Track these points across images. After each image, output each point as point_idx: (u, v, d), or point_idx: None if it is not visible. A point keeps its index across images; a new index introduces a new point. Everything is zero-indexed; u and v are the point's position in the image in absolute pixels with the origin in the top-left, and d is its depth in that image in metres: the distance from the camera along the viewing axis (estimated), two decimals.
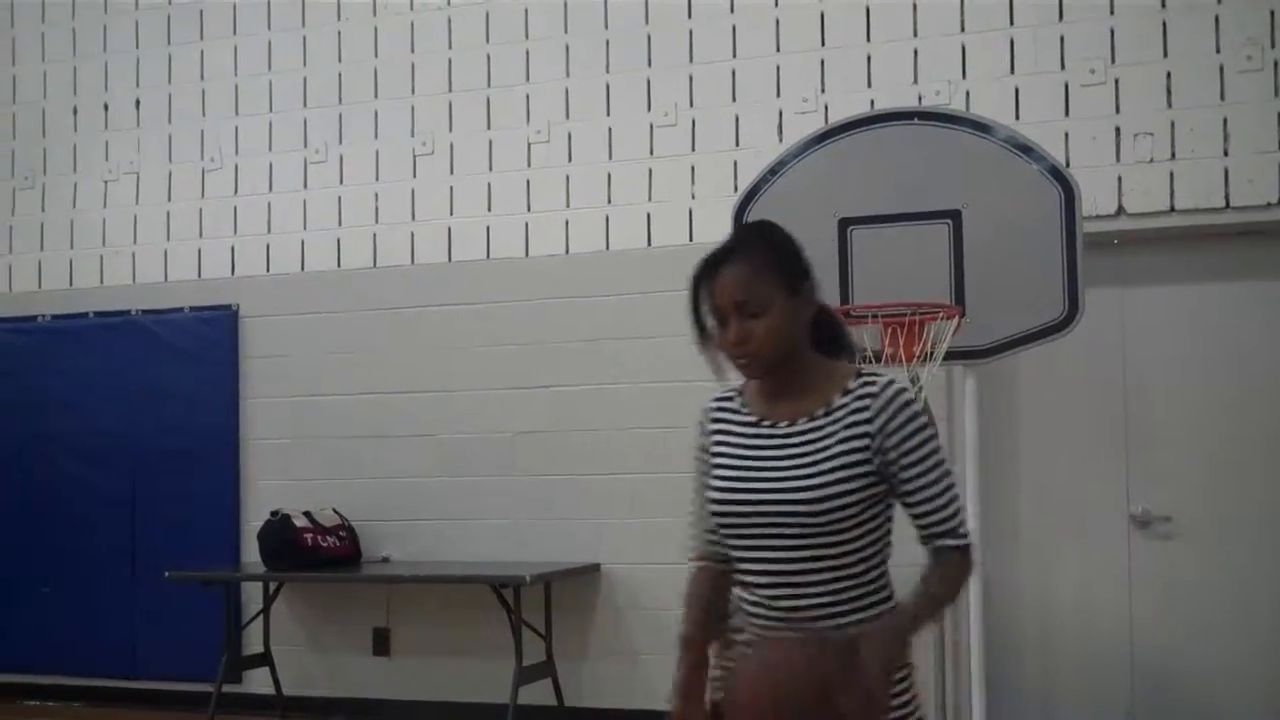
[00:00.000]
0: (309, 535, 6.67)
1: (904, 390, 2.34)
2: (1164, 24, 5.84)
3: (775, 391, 2.41)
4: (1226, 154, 5.73)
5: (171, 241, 7.56)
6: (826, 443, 2.31)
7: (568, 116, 6.79)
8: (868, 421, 2.30)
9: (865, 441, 2.29)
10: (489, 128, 6.95)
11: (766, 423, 2.40)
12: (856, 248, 5.07)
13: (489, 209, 6.91)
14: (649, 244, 6.55)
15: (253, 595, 7.14)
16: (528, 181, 6.84)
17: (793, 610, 2.31)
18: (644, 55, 6.67)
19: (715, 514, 2.38)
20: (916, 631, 2.18)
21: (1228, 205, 5.73)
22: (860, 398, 2.33)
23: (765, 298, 2.31)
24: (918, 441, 2.30)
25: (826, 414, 2.34)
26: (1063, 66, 5.97)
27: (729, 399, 2.50)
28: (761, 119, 6.41)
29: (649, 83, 6.65)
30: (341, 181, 7.22)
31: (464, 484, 6.84)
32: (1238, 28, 5.76)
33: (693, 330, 2.40)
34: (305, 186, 7.29)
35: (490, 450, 6.78)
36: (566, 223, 6.74)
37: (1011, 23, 6.05)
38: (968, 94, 6.07)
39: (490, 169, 6.92)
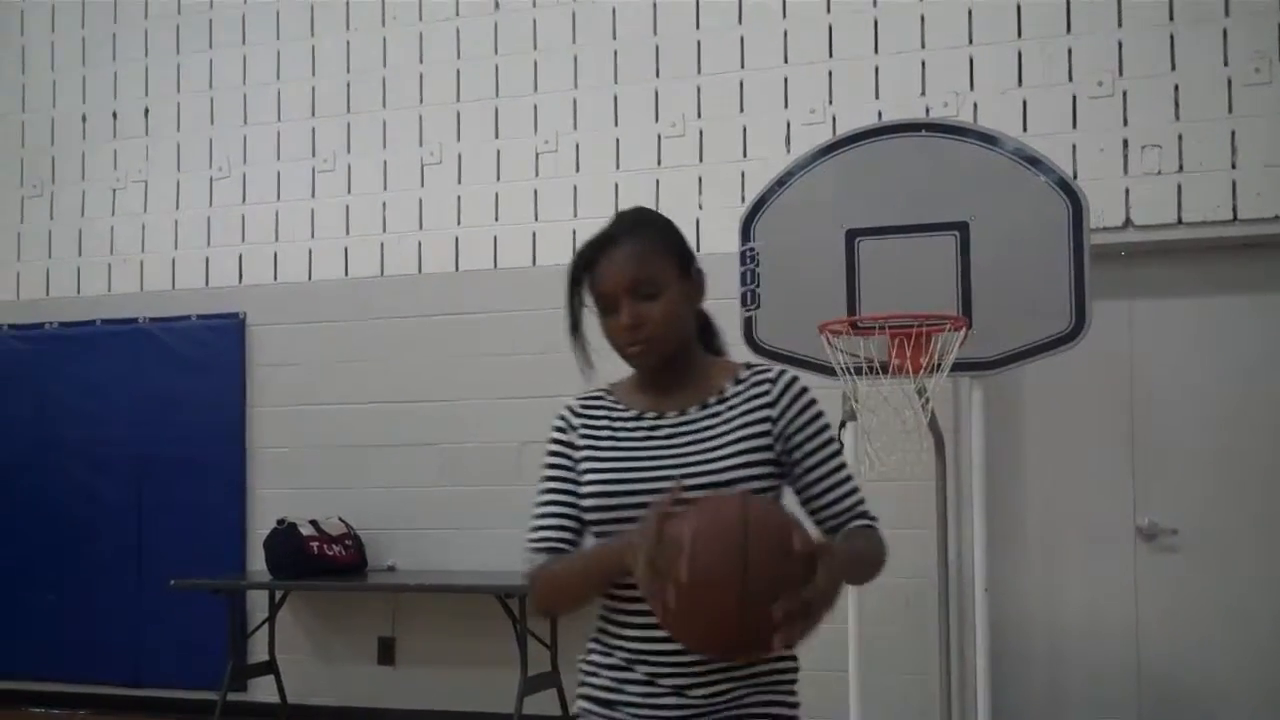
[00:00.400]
0: (315, 544, 6.67)
1: (799, 378, 2.23)
2: (1171, 37, 5.85)
3: (660, 384, 2.25)
4: (1234, 167, 5.73)
5: (179, 250, 7.58)
6: (724, 427, 2.16)
7: (575, 127, 6.81)
8: (769, 405, 2.18)
9: (766, 426, 2.16)
10: (497, 137, 6.96)
11: (651, 414, 2.23)
12: (864, 259, 5.07)
13: (496, 219, 6.92)
14: None
15: (258, 603, 7.14)
16: (535, 191, 6.85)
17: None
18: (652, 66, 6.68)
19: (594, 510, 2.16)
20: (848, 574, 2.02)
21: (1235, 218, 5.73)
22: (757, 384, 2.21)
23: (661, 278, 2.18)
24: (820, 426, 2.20)
25: (720, 400, 2.20)
26: (1070, 79, 5.97)
27: (596, 398, 2.31)
28: (769, 130, 6.42)
29: (657, 93, 6.66)
30: (349, 191, 7.23)
31: (470, 493, 6.84)
32: (1246, 41, 5.76)
33: (567, 323, 2.26)
34: (313, 196, 7.30)
35: (497, 459, 6.79)
36: (574, 232, 6.74)
37: (1019, 35, 6.06)
38: (975, 106, 6.08)
39: (498, 179, 6.94)
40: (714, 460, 2.13)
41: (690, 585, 1.84)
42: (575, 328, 2.26)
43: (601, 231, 2.25)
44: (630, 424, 2.23)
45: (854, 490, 2.21)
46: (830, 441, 2.20)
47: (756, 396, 2.19)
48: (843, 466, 2.21)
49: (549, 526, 2.22)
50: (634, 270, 2.16)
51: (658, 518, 1.91)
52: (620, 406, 2.27)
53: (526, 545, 2.23)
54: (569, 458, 2.24)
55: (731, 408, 2.19)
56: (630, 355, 2.21)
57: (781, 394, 2.19)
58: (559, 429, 2.29)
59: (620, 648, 2.16)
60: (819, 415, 2.21)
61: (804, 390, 2.21)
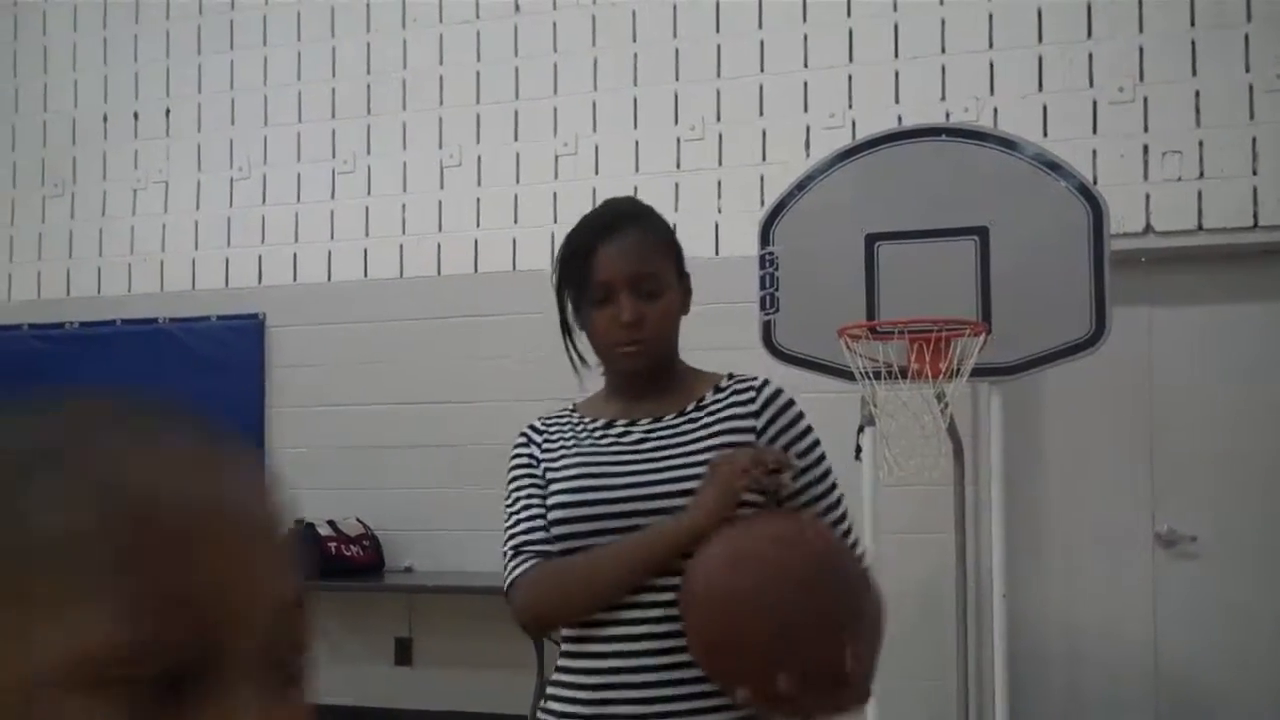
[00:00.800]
0: (332, 544, 6.70)
1: (784, 390, 2.08)
2: (1193, 42, 5.84)
3: (637, 391, 2.08)
4: (1255, 173, 5.72)
5: (199, 250, 7.61)
6: (702, 433, 1.99)
7: (595, 129, 6.82)
8: (753, 415, 2.01)
9: (749, 436, 1.99)
10: (516, 140, 6.98)
11: (623, 421, 2.07)
12: (883, 263, 5.07)
13: (515, 221, 6.94)
14: None
15: None
16: (554, 194, 6.86)
17: (665, 641, 1.91)
18: (671, 69, 6.69)
19: (563, 521, 1.99)
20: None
21: (1256, 224, 5.71)
22: (739, 391, 2.04)
23: (664, 276, 2.02)
24: (811, 440, 2.04)
25: (698, 408, 2.04)
26: (1091, 84, 5.96)
27: (561, 416, 2.17)
28: (789, 134, 6.42)
29: (676, 96, 6.67)
30: (369, 192, 7.25)
31: (488, 495, 6.82)
32: (1267, 47, 5.74)
33: (560, 316, 2.10)
34: (333, 197, 7.33)
35: None
36: None
37: (1040, 40, 6.05)
38: (995, 111, 6.07)
39: (517, 181, 6.95)
40: (692, 466, 1.96)
41: (736, 595, 1.71)
42: (570, 324, 2.11)
43: (598, 216, 2.09)
44: (599, 432, 2.08)
45: (839, 503, 2.06)
46: (822, 457, 2.06)
47: (738, 404, 2.04)
48: (835, 487, 2.06)
49: (532, 529, 2.06)
50: (638, 264, 2.00)
51: (762, 460, 1.79)
52: (588, 419, 2.12)
53: (506, 549, 2.09)
54: (535, 467, 2.10)
55: (711, 414, 2.03)
56: (621, 355, 2.04)
57: (766, 404, 2.04)
58: (521, 445, 2.16)
59: (577, 699, 2.00)
60: (808, 428, 2.07)
61: (790, 401, 2.07)
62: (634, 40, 6.76)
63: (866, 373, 4.80)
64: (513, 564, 2.06)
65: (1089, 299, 4.83)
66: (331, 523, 6.80)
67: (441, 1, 7.14)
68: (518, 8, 7.00)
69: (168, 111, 7.76)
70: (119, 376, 7.63)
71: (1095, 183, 5.42)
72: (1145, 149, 5.87)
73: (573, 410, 2.17)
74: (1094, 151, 5.90)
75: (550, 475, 2.05)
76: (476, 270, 7.00)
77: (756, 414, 2.02)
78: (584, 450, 2.05)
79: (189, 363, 7.48)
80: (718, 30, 6.61)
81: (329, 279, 7.30)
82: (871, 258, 5.08)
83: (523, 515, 2.08)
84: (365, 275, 7.23)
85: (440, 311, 7.02)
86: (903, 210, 5.09)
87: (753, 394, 2.04)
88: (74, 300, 7.87)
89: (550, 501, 2.03)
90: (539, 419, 2.20)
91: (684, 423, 2.03)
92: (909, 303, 4.93)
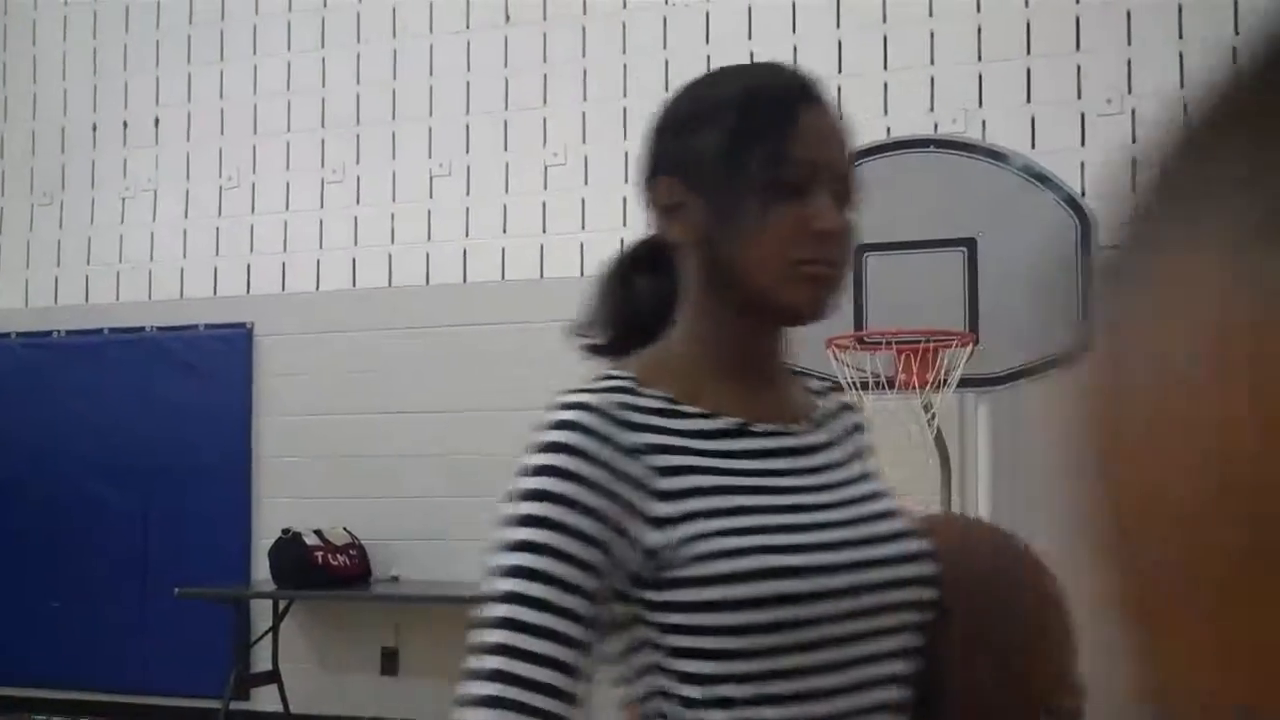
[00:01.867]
0: (319, 554, 6.68)
1: None
2: (1180, 55, 5.86)
3: (757, 371, 1.35)
4: None
5: (188, 259, 7.60)
6: (861, 466, 1.40)
7: (584, 140, 6.82)
8: (871, 452, 1.47)
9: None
10: (506, 150, 6.98)
11: (763, 427, 1.31)
12: (871, 274, 5.07)
13: (505, 231, 6.94)
14: None
15: (262, 613, 7.14)
16: (544, 204, 6.87)
17: None
18: (661, 79, 6.69)
19: (775, 603, 1.19)
20: None
21: None
22: (849, 409, 1.49)
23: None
24: None
25: (823, 421, 1.40)
26: (1079, 96, 5.98)
27: (634, 401, 1.30)
28: None
29: None
30: (358, 202, 7.25)
31: (475, 504, 6.83)
32: None
33: (737, 162, 1.28)
34: (322, 206, 7.32)
35: (502, 470, 6.68)
36: (582, 245, 6.76)
37: (1028, 52, 6.07)
38: (984, 123, 6.08)
39: (506, 191, 6.95)
40: (895, 514, 1.35)
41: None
42: (769, 164, 1.27)
43: (787, 72, 1.38)
44: (732, 441, 1.29)
45: None
46: None
47: (857, 430, 1.46)
48: None
49: (560, 684, 1.22)
50: (847, 153, 1.34)
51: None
52: (690, 409, 1.30)
53: (483, 664, 1.25)
54: (601, 524, 1.24)
55: (837, 435, 1.41)
56: (806, 279, 1.27)
57: (870, 441, 1.50)
58: (575, 467, 1.27)
59: None
60: None
61: None
62: (623, 51, 6.77)
63: (854, 383, 4.81)
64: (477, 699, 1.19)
65: (1077, 310, 4.85)
66: (318, 532, 6.78)
67: (431, 12, 7.15)
68: (508, 18, 7.01)
69: (157, 120, 7.75)
70: (106, 385, 7.61)
71: (1083, 194, 5.43)
72: (1133, 161, 5.88)
73: (636, 387, 1.31)
74: (1082, 163, 5.91)
75: (720, 522, 1.23)
76: (465, 280, 7.00)
77: (874, 451, 1.49)
78: (745, 477, 1.27)
79: (177, 372, 7.47)
80: (707, 41, 6.62)
81: (317, 288, 7.29)
82: (860, 268, 5.09)
83: (547, 627, 1.23)
84: (354, 285, 7.22)
85: (429, 321, 7.01)
86: (891, 221, 5.08)
87: (861, 420, 1.50)
88: (62, 309, 7.86)
89: (735, 563, 1.21)
90: (604, 403, 1.30)
91: (826, 444, 1.38)
92: (897, 313, 4.94)
